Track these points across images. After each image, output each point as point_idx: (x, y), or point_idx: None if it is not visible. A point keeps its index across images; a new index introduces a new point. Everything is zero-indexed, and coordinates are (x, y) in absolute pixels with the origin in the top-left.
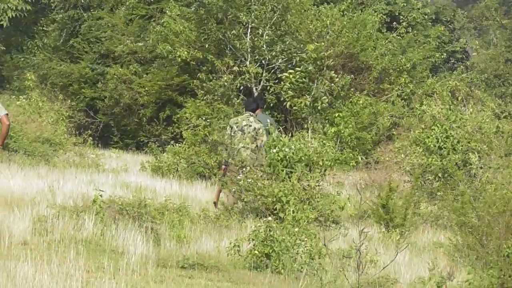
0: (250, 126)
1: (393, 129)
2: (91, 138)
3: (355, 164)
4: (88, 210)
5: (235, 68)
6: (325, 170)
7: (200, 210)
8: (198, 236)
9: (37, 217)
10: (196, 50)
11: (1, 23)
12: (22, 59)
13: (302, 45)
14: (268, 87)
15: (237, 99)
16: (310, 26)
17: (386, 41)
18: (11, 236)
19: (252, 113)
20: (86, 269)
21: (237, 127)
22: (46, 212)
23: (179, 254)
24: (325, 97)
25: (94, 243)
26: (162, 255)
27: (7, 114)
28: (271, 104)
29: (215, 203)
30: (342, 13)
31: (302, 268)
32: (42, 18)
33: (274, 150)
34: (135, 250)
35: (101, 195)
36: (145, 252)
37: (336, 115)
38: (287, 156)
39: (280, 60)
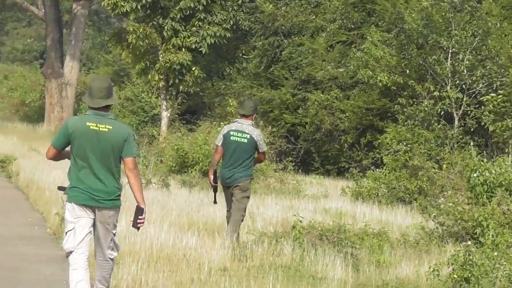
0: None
1: None
2: (292, 164)
3: None
4: (287, 236)
5: (436, 93)
6: None
7: (400, 235)
8: (397, 261)
9: (237, 244)
10: (396, 75)
11: (201, 49)
12: (223, 86)
13: (503, 70)
14: (469, 111)
15: (438, 125)
16: (511, 51)
17: None
18: (210, 262)
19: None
20: None
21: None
22: (246, 238)
23: (378, 279)
24: None
25: (293, 269)
26: (361, 280)
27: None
28: (472, 129)
29: None
30: None
31: None
32: (243, 45)
33: (475, 174)
34: (334, 275)
35: (300, 221)
36: (344, 277)
37: None
38: (488, 181)
39: (480, 85)
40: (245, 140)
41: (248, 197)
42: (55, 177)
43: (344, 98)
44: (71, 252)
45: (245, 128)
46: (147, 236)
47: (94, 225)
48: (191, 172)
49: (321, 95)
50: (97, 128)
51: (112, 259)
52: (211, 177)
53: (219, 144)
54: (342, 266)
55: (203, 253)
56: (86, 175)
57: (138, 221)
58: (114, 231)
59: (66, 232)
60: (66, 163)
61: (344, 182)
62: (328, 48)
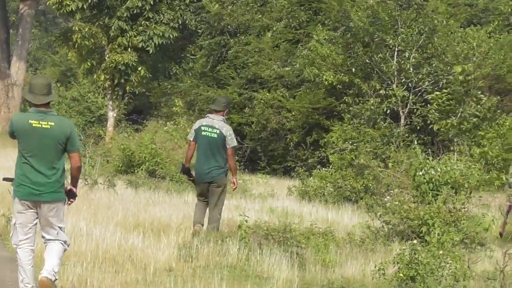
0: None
1: None
2: (238, 163)
3: (500, 185)
4: (233, 235)
5: (382, 91)
6: (470, 192)
7: (346, 234)
8: (343, 260)
9: (183, 244)
10: (342, 74)
11: (148, 49)
12: (169, 85)
13: (448, 67)
14: (415, 109)
15: (384, 123)
16: (457, 48)
17: None
18: (156, 262)
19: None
20: None
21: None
22: (191, 238)
23: (324, 278)
24: (471, 118)
25: (239, 269)
26: (307, 279)
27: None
28: (418, 127)
29: None
30: (488, 35)
31: None
32: (189, 45)
33: (421, 173)
34: (280, 274)
35: (246, 221)
36: (290, 276)
37: (482, 136)
38: (433, 179)
39: (426, 83)
40: (215, 135)
41: (225, 193)
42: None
43: (290, 97)
44: (18, 247)
45: (215, 124)
46: (92, 237)
47: (39, 219)
48: (138, 172)
49: (267, 94)
50: (40, 125)
51: (63, 243)
52: (186, 172)
53: (191, 139)
54: (288, 266)
55: (149, 253)
56: (29, 170)
57: (69, 202)
58: (59, 225)
59: (12, 225)
60: (12, 162)
61: (291, 182)
62: (275, 47)
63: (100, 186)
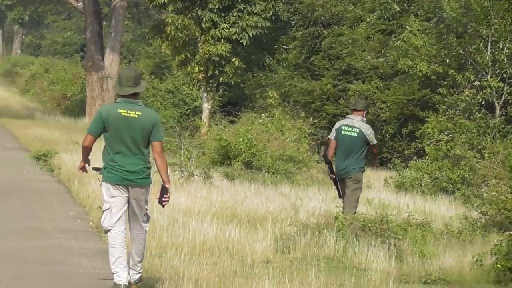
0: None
1: None
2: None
3: None
4: (330, 227)
5: (476, 82)
6: None
7: (443, 226)
8: (441, 252)
9: (280, 235)
10: (436, 65)
11: (242, 41)
12: (264, 77)
13: None
14: (510, 100)
15: (479, 114)
16: None
17: None
18: (253, 254)
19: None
20: (327, 287)
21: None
22: (288, 230)
23: (421, 270)
24: None
25: (336, 260)
26: (405, 271)
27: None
28: None
29: None
30: None
31: None
32: (282, 36)
33: None
34: (377, 266)
35: (342, 212)
36: (388, 268)
37: None
38: None
39: None
40: (355, 134)
41: (360, 189)
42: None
43: (385, 88)
44: (109, 230)
45: (355, 123)
46: (189, 229)
47: (128, 202)
48: (234, 163)
49: (361, 85)
50: (128, 114)
51: (146, 231)
52: (328, 170)
53: (332, 138)
54: (386, 257)
55: (246, 245)
56: (118, 157)
57: (163, 199)
58: (146, 206)
59: (104, 211)
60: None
61: (387, 173)
62: (368, 37)
63: (196, 178)
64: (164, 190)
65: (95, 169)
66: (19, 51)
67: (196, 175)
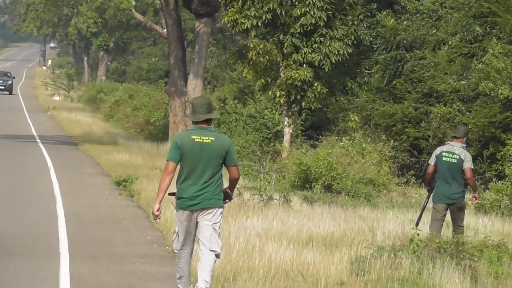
0: None
1: None
2: (414, 177)
3: None
4: (405, 249)
5: None
6: None
7: None
8: None
9: (355, 258)
10: None
11: (323, 67)
12: (346, 101)
13: None
14: None
15: None
16: None
17: None
18: (328, 277)
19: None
20: None
21: None
22: (363, 252)
23: None
24: None
25: (410, 282)
26: None
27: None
28: None
29: None
30: None
31: None
32: (365, 60)
33: None
34: (451, 287)
35: (418, 234)
36: None
37: None
38: None
39: None
40: (455, 161)
41: (463, 212)
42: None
43: (467, 110)
44: (177, 251)
45: (455, 150)
46: (265, 252)
47: (198, 226)
48: (314, 186)
49: (443, 108)
50: (201, 140)
51: (216, 255)
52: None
53: (432, 163)
54: (460, 278)
55: (321, 268)
56: (189, 183)
57: (224, 202)
58: (216, 228)
59: (175, 232)
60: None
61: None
62: (450, 61)
63: (275, 202)
64: (227, 195)
65: (171, 194)
66: (104, 78)
67: (275, 199)
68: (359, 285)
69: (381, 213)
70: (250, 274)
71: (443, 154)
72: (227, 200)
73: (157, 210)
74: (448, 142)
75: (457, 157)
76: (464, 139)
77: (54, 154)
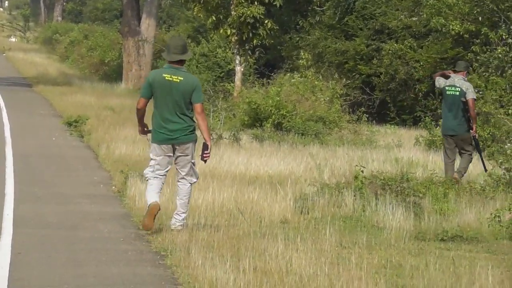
0: None
1: None
2: (365, 115)
3: None
4: (350, 186)
5: (509, 40)
6: None
7: (466, 183)
8: (461, 209)
9: (299, 195)
10: (469, 23)
11: (275, 3)
12: (298, 38)
13: None
14: None
15: (511, 71)
16: None
17: None
18: (271, 215)
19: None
20: (341, 245)
21: None
22: (308, 190)
23: (439, 227)
24: None
25: (354, 219)
26: (422, 229)
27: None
28: None
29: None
30: None
31: None
32: None
33: None
34: (395, 224)
35: (362, 171)
36: (405, 226)
37: None
38: None
39: None
40: (457, 93)
41: (470, 144)
42: (127, 135)
43: (418, 47)
44: (149, 178)
45: (456, 82)
46: (209, 191)
47: (175, 159)
48: (264, 125)
49: (395, 44)
50: (171, 79)
51: (191, 184)
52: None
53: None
54: (404, 215)
55: (265, 207)
56: (165, 119)
57: (204, 155)
58: (193, 160)
59: (149, 166)
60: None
61: (420, 132)
62: None
63: (225, 141)
64: (205, 147)
65: (147, 131)
66: (60, 18)
67: (225, 138)
68: (302, 223)
69: (331, 151)
70: (193, 212)
71: (447, 88)
72: (206, 153)
73: (140, 132)
74: (450, 75)
75: (459, 89)
76: (465, 72)
77: (7, 96)
